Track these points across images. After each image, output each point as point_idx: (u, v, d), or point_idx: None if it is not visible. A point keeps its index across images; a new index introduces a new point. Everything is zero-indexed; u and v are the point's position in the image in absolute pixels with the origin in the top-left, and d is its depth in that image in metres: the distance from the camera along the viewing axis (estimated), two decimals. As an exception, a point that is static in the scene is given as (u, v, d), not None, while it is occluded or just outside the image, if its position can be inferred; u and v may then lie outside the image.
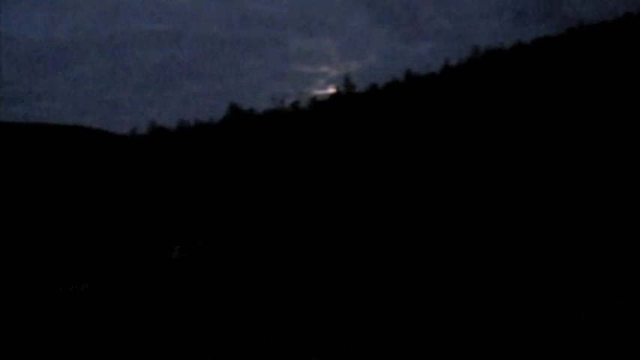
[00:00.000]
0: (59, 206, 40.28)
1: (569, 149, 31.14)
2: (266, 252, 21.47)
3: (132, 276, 20.17)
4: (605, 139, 31.06)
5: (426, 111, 50.11)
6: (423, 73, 67.92)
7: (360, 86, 68.92)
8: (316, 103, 69.46)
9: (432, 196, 28.08)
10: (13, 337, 13.37)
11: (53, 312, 15.72)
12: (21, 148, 68.88)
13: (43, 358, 12.09)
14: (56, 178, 53.71)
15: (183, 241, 26.08)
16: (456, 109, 47.70)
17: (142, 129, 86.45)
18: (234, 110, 72.40)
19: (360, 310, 13.16)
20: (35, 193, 45.95)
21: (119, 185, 49.65)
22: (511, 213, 21.96)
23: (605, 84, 40.92)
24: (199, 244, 24.82)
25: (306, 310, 13.69)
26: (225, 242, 24.73)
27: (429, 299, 13.37)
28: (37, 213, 37.32)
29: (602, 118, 34.68)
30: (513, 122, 39.60)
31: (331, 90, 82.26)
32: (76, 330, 13.83)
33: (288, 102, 70.91)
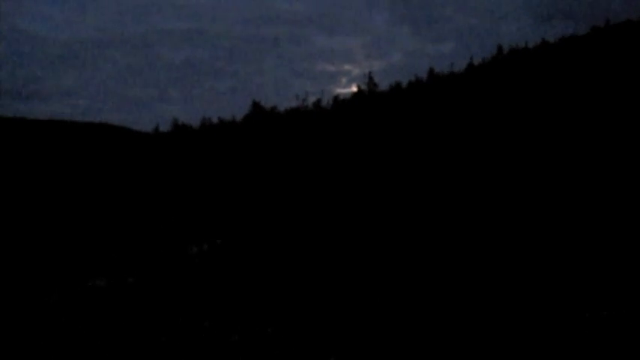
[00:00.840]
0: (82, 203, 40.64)
1: (595, 151, 30.73)
2: (285, 251, 21.45)
3: (151, 272, 20.28)
4: (633, 141, 30.61)
5: (449, 110, 49.82)
6: (447, 72, 67.53)
7: (383, 85, 68.59)
8: (339, 102, 69.34)
9: (455, 196, 27.89)
10: (31, 334, 13.45)
11: (72, 306, 15.82)
12: (46, 145, 69.68)
13: (64, 354, 12.14)
14: (81, 175, 54.24)
15: (203, 238, 26.16)
16: (479, 109, 47.36)
17: (165, 127, 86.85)
18: (257, 108, 72.51)
19: (368, 309, 13.10)
20: (60, 190, 46.42)
21: (142, 183, 49.97)
22: (538, 214, 21.72)
23: (631, 84, 40.36)
24: (218, 243, 24.88)
25: (320, 310, 13.63)
26: (245, 241, 24.75)
27: (435, 297, 13.30)
28: (60, 209, 37.67)
29: (629, 119, 34.20)
30: (538, 122, 39.21)
31: (354, 88, 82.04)
32: (93, 325, 13.89)
33: (311, 100, 70.82)
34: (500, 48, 66.96)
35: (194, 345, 12.16)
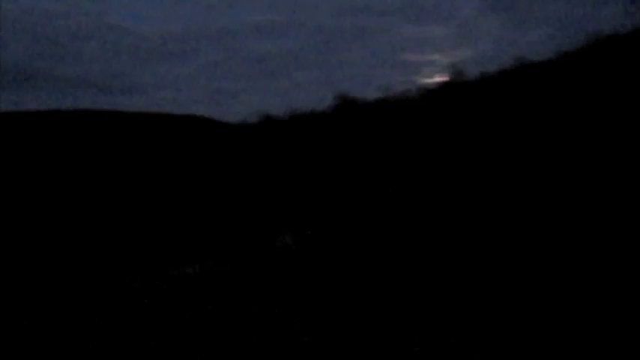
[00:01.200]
0: (172, 192, 41.71)
1: None
2: (372, 246, 21.38)
3: (244, 260, 20.65)
4: None
5: (539, 99, 48.50)
6: (537, 60, 65.52)
7: (471, 74, 66.99)
8: (426, 92, 68.50)
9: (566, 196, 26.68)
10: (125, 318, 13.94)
11: (161, 293, 16.30)
12: (138, 136, 71.81)
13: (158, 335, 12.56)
14: (171, 166, 55.65)
15: (294, 229, 26.49)
16: (572, 98, 45.88)
17: (252, 118, 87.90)
18: (343, 99, 72.55)
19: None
20: (153, 179, 47.78)
21: (231, 173, 50.86)
22: None
23: None
24: (308, 233, 25.15)
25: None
26: (334, 233, 24.87)
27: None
28: (150, 198, 38.78)
29: None
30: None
31: (441, 78, 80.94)
32: (181, 311, 14.27)
33: (398, 91, 70.27)
34: (592, 34, 64.39)
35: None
